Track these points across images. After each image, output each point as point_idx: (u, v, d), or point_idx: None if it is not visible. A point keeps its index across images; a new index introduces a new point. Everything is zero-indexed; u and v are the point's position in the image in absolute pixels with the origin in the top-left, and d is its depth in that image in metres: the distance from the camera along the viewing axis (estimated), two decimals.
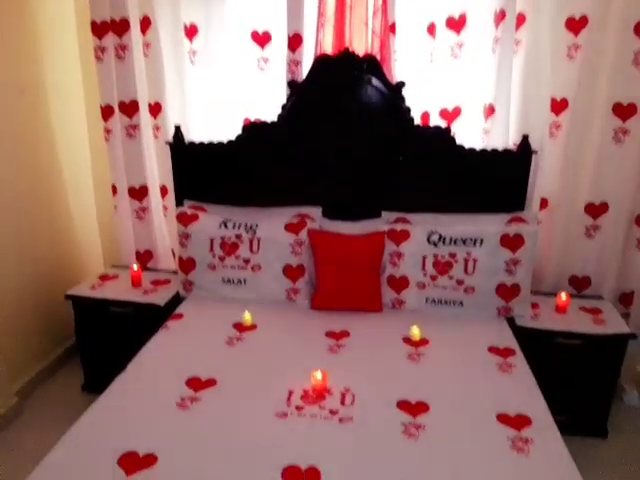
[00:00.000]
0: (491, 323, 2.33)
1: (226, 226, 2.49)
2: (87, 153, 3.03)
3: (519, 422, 1.69)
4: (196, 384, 1.87)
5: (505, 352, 2.09)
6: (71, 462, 1.51)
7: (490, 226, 2.36)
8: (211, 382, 1.88)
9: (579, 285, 2.67)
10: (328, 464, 1.50)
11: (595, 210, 2.57)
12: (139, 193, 2.87)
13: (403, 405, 1.77)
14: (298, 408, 1.75)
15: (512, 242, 2.30)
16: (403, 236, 2.40)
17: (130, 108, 2.73)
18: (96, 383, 1.91)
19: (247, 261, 2.48)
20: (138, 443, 1.57)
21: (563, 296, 2.46)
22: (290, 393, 1.82)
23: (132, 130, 2.77)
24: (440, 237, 2.35)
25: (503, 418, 1.71)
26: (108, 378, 1.90)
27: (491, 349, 2.11)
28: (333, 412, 1.74)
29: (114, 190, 2.88)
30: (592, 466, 2.22)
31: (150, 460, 1.50)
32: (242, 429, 1.66)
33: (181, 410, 1.74)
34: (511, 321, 2.35)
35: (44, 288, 2.84)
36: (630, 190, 2.49)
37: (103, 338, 2.63)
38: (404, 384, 1.89)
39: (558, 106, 2.48)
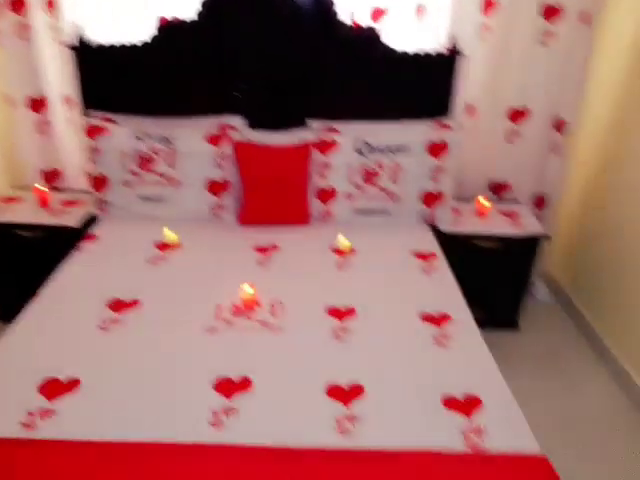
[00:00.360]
0: (415, 229, 2.38)
1: (140, 138, 2.30)
2: None
3: (440, 320, 1.78)
4: (118, 305, 1.80)
5: (428, 256, 2.16)
6: None
7: (416, 134, 2.34)
8: (134, 303, 1.81)
9: (498, 190, 2.77)
10: (259, 373, 1.52)
11: (517, 115, 2.60)
12: (39, 104, 2.56)
13: (332, 312, 1.80)
14: (227, 322, 1.74)
15: (437, 149, 2.31)
16: (330, 146, 2.33)
17: (19, 3, 2.36)
18: (11, 312, 1.79)
19: (166, 176, 2.33)
20: (59, 368, 1.50)
21: (483, 201, 2.54)
22: (218, 308, 1.80)
23: (24, 31, 2.42)
24: (367, 146, 2.31)
25: (426, 317, 1.79)
26: (23, 306, 1.78)
27: (415, 254, 2.17)
28: (263, 323, 1.74)
29: (9, 101, 2.56)
30: (506, 356, 2.40)
31: (73, 385, 1.45)
32: (170, 347, 1.63)
33: (103, 332, 1.67)
34: (434, 227, 2.42)
35: None
36: (551, 95, 2.53)
37: (13, 265, 2.45)
38: (332, 292, 1.92)
39: (488, 6, 2.41)
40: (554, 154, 2.66)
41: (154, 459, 1.26)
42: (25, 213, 2.44)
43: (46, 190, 2.49)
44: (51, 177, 2.72)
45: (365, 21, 2.44)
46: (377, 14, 2.46)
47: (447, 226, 2.43)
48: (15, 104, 2.55)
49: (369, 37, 2.34)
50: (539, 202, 2.77)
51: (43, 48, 2.46)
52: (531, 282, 2.72)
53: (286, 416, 1.40)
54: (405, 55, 2.36)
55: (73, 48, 2.32)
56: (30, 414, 1.35)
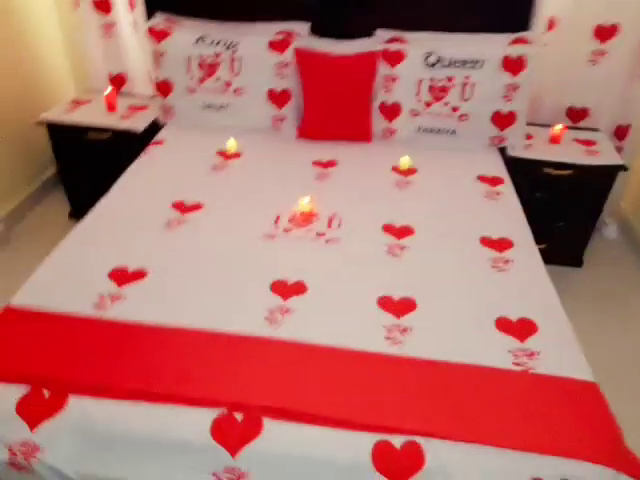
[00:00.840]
0: (483, 152, 2.27)
1: (204, 43, 2.25)
2: None
3: (501, 245, 1.72)
4: (182, 207, 1.85)
5: (494, 181, 2.07)
6: (60, 277, 1.53)
7: (492, 47, 2.17)
8: (197, 206, 1.86)
9: (576, 116, 2.57)
10: (315, 279, 1.55)
11: (604, 33, 2.35)
12: (104, 6, 2.55)
13: (388, 228, 1.79)
14: (285, 230, 1.76)
15: (514, 65, 2.14)
16: (398, 57, 2.20)
17: None
18: (83, 210, 1.89)
19: (228, 84, 2.30)
20: (127, 259, 1.59)
21: (558, 127, 2.38)
22: (277, 217, 1.82)
23: None
24: (438, 58, 2.17)
25: (486, 241, 1.74)
26: (94, 204, 1.86)
27: (480, 177, 2.09)
28: (320, 234, 1.75)
29: (75, 3, 2.55)
30: (567, 291, 2.32)
31: (140, 274, 1.53)
32: (230, 249, 1.68)
33: (168, 230, 1.74)
34: (503, 151, 2.29)
35: (15, 114, 2.65)
36: None
37: (83, 165, 2.55)
38: (390, 209, 1.89)
39: None
40: None
41: (211, 346, 1.33)
42: (93, 116, 2.49)
43: (113, 93, 2.53)
44: (118, 81, 2.75)
45: None
46: None
47: (517, 151, 2.29)
48: (80, 5, 2.54)
49: None
50: (620, 132, 2.56)
51: None
52: (601, 217, 2.58)
53: (338, 320, 1.42)
54: None
55: None
56: (101, 297, 1.45)
